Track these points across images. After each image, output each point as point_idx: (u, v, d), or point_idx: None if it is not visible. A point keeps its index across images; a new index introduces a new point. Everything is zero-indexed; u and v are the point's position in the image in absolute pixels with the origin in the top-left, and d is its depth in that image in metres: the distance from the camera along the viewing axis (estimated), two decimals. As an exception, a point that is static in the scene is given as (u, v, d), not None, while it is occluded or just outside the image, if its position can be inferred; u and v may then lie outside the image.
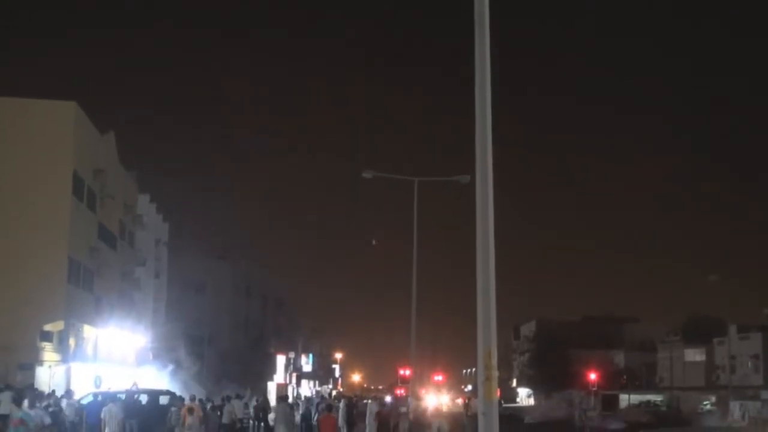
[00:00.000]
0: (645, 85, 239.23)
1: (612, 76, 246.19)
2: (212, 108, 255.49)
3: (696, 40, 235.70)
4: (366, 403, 47.95)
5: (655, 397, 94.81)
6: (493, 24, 11.77)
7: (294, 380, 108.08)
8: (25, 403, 28.70)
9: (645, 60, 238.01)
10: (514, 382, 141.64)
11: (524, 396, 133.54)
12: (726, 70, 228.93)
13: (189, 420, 29.48)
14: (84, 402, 35.27)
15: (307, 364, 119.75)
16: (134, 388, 37.04)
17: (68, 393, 33.36)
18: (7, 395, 30.93)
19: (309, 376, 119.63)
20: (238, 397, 38.90)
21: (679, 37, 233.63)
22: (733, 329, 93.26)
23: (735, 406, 66.86)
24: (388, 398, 60.14)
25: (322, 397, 48.88)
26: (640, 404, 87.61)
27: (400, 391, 53.45)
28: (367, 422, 39.41)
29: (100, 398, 34.41)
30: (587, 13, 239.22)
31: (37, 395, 32.23)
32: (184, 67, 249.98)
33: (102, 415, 27.45)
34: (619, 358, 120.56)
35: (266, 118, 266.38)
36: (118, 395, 35.45)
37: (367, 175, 43.60)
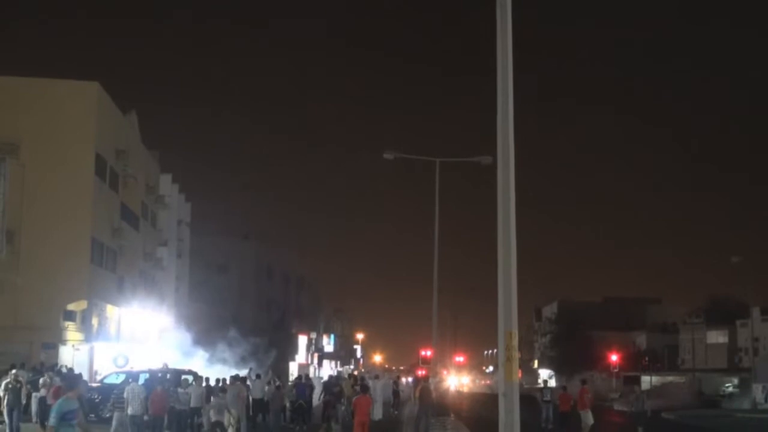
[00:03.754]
0: (671, 71, 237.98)
1: (646, 62, 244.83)
2: (233, 90, 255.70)
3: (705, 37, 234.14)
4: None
5: (677, 379, 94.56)
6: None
7: (316, 361, 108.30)
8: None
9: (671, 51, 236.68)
10: (536, 364, 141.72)
11: (545, 377, 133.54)
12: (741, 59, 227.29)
13: (214, 400, 29.36)
14: (107, 381, 35.49)
15: (328, 344, 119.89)
16: (165, 368, 37.16)
17: (60, 371, 33.51)
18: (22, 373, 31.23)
19: (330, 356, 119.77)
20: (258, 377, 39.02)
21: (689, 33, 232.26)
22: (756, 311, 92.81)
23: (758, 389, 66.49)
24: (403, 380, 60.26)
25: (356, 377, 49.00)
26: (663, 386, 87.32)
27: (421, 372, 53.46)
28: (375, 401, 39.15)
29: (123, 377, 34.58)
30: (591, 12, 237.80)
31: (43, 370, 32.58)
32: (205, 51, 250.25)
33: (125, 394, 27.52)
34: (641, 339, 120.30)
35: (286, 104, 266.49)
36: (142, 374, 35.62)
37: (388, 156, 43.47)
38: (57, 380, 30.61)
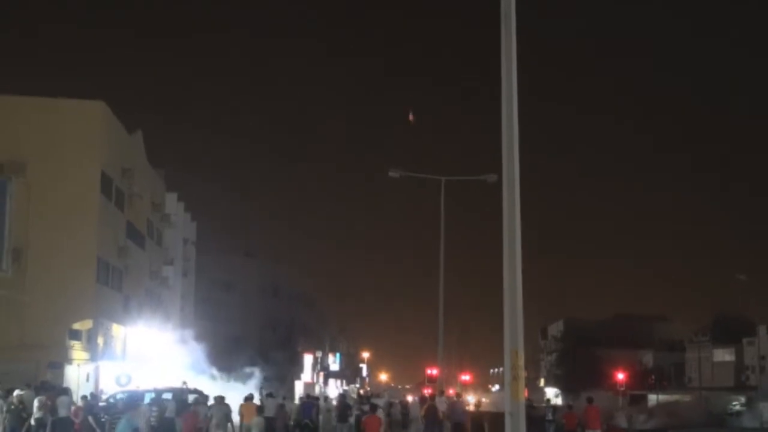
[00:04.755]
0: (667, 89, 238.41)
1: (635, 79, 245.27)
2: (238, 107, 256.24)
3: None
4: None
5: (684, 398, 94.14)
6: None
7: (321, 379, 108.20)
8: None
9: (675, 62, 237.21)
10: (542, 382, 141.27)
11: (552, 396, 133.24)
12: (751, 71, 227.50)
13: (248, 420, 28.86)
14: (113, 401, 35.42)
15: (334, 363, 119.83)
16: (185, 387, 36.95)
17: (65, 390, 33.41)
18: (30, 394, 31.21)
19: (336, 375, 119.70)
20: (270, 395, 39.07)
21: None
22: (762, 329, 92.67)
23: (765, 407, 66.23)
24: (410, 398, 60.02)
25: (362, 397, 48.74)
26: (669, 404, 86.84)
27: (427, 391, 53.42)
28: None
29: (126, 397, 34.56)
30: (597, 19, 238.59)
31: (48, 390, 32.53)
32: (208, 69, 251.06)
33: (130, 414, 27.47)
34: (648, 357, 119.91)
35: (290, 122, 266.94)
36: (147, 393, 35.58)
37: (394, 174, 43.59)
38: (65, 400, 30.56)
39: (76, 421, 28.84)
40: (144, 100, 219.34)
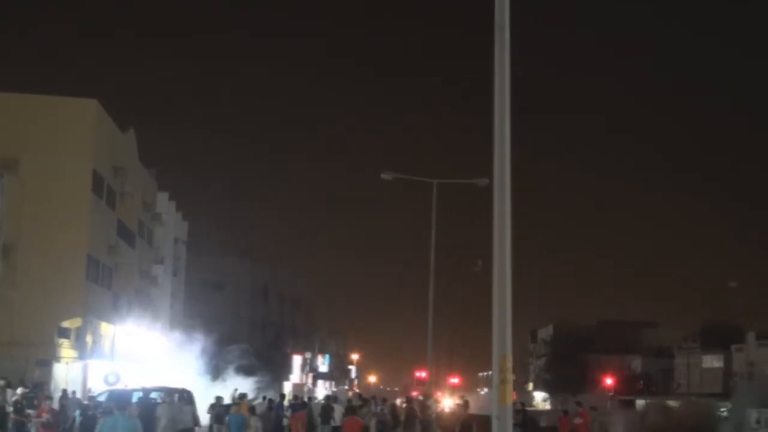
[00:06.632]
0: (667, 89, 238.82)
1: (626, 84, 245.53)
2: (232, 107, 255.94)
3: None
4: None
5: (672, 404, 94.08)
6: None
7: (310, 381, 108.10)
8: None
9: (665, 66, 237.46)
10: (531, 386, 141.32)
11: (540, 400, 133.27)
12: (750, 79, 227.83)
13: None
14: (100, 399, 35.33)
15: (323, 364, 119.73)
16: (182, 387, 36.67)
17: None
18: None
19: (325, 376, 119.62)
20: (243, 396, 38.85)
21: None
22: (751, 336, 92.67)
23: (752, 413, 66.26)
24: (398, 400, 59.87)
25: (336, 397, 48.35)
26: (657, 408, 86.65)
27: (415, 393, 53.39)
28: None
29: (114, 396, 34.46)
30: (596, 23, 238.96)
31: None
32: (204, 68, 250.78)
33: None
34: (636, 363, 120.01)
35: (284, 123, 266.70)
36: (135, 392, 35.45)
37: (386, 176, 43.57)
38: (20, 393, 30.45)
39: (42, 420, 28.78)
40: (144, 100, 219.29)
